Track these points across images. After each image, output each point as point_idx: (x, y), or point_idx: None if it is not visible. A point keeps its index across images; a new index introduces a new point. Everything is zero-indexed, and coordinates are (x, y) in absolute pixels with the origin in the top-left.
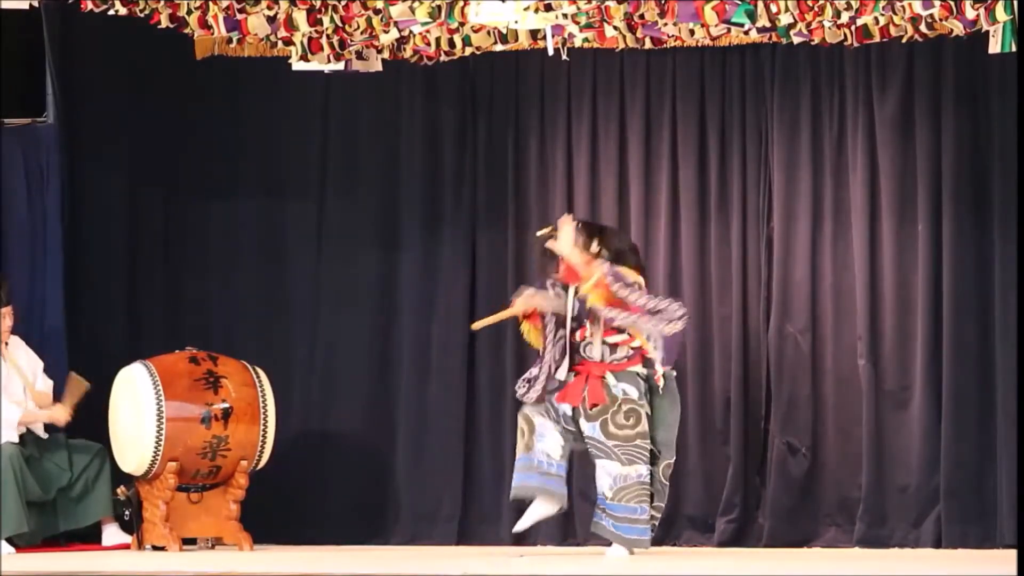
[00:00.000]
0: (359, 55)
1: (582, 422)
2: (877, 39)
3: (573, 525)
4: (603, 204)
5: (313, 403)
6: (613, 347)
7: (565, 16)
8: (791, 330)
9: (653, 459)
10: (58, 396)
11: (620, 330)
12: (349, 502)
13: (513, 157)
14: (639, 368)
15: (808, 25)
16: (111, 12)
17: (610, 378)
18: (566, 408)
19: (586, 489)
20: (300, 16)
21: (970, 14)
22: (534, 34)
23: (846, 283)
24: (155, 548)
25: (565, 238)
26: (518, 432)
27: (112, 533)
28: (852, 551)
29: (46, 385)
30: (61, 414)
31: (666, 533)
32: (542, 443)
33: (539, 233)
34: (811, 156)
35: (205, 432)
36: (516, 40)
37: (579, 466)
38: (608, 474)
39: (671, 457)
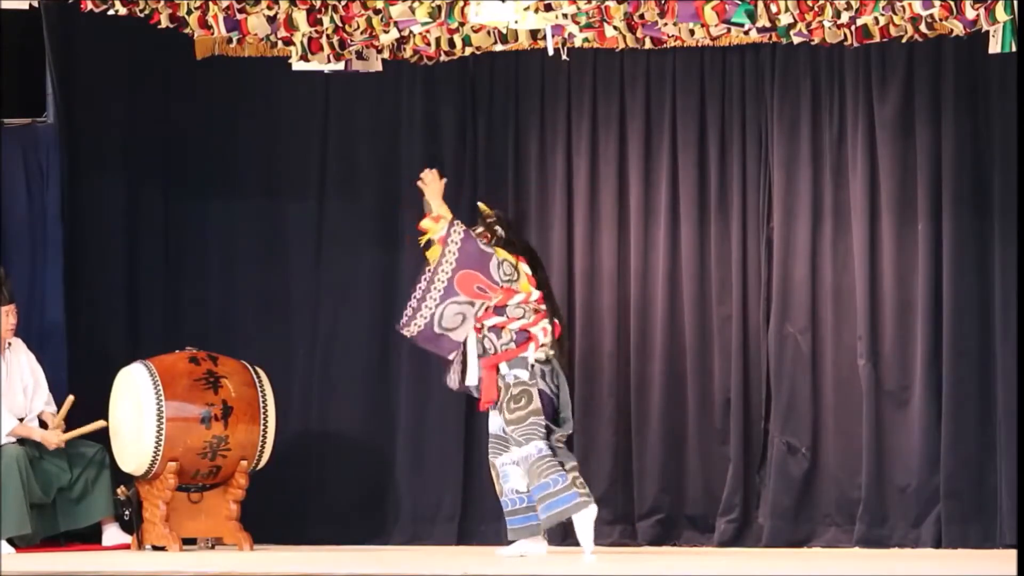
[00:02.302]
0: (359, 55)
1: (491, 419)
2: (877, 39)
3: (573, 525)
4: (603, 204)
5: (313, 403)
6: (497, 331)
7: (565, 16)
8: (791, 330)
9: (548, 433)
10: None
11: (498, 311)
12: (349, 502)
13: (513, 156)
14: (528, 353)
15: (808, 25)
16: (111, 12)
17: (503, 367)
18: (495, 427)
19: None
20: (300, 16)
21: (970, 14)
22: (534, 34)
23: (846, 283)
24: (155, 548)
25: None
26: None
27: (112, 533)
28: (852, 551)
29: (48, 405)
30: (53, 439)
31: (666, 533)
32: (508, 483)
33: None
34: (811, 156)
35: (205, 432)
36: (516, 40)
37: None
38: (514, 463)
39: (565, 430)
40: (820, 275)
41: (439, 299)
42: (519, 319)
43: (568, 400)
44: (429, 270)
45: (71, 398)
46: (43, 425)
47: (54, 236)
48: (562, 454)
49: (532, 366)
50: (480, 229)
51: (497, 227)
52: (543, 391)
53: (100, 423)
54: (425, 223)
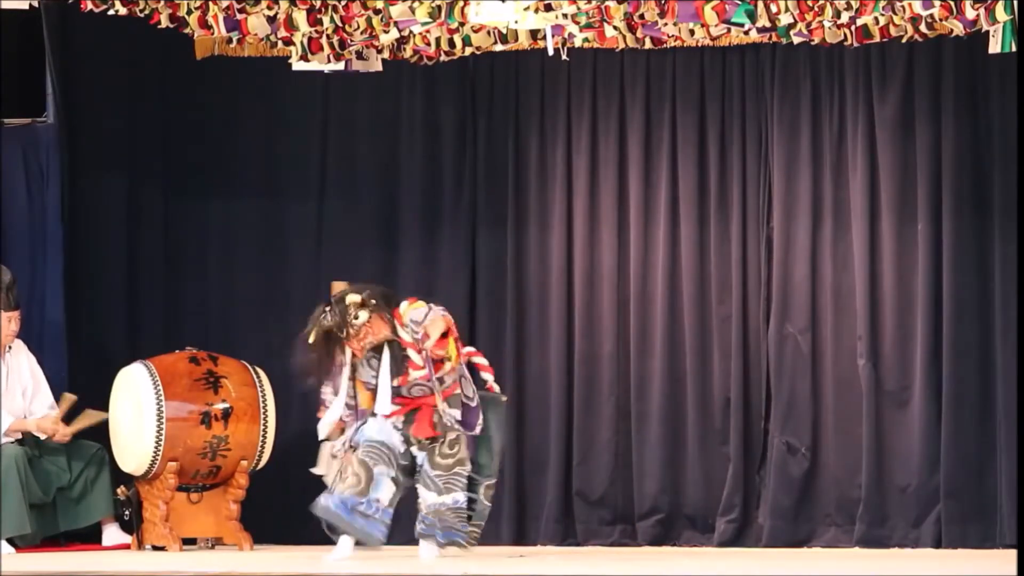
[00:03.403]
0: (359, 55)
1: (415, 450)
2: (877, 39)
3: (573, 525)
4: (603, 204)
5: (313, 403)
6: (440, 378)
7: (565, 16)
8: (791, 330)
9: (472, 484)
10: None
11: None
12: None
13: (513, 157)
14: (466, 388)
15: (808, 25)
16: (111, 12)
17: (441, 405)
18: (396, 441)
19: (584, 489)
20: (300, 16)
21: (970, 14)
22: (534, 34)
23: (846, 283)
24: (155, 548)
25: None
26: (352, 476)
27: (112, 533)
28: (852, 551)
29: (53, 410)
30: (49, 425)
31: (666, 533)
32: (376, 491)
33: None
34: (811, 156)
35: (205, 432)
36: (516, 40)
37: (577, 465)
38: (425, 502)
39: (492, 479)
40: (820, 275)
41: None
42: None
43: (490, 445)
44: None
45: (72, 397)
46: None
47: (54, 236)
48: (477, 512)
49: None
50: (365, 316)
51: (369, 300)
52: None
53: (102, 414)
54: (429, 344)
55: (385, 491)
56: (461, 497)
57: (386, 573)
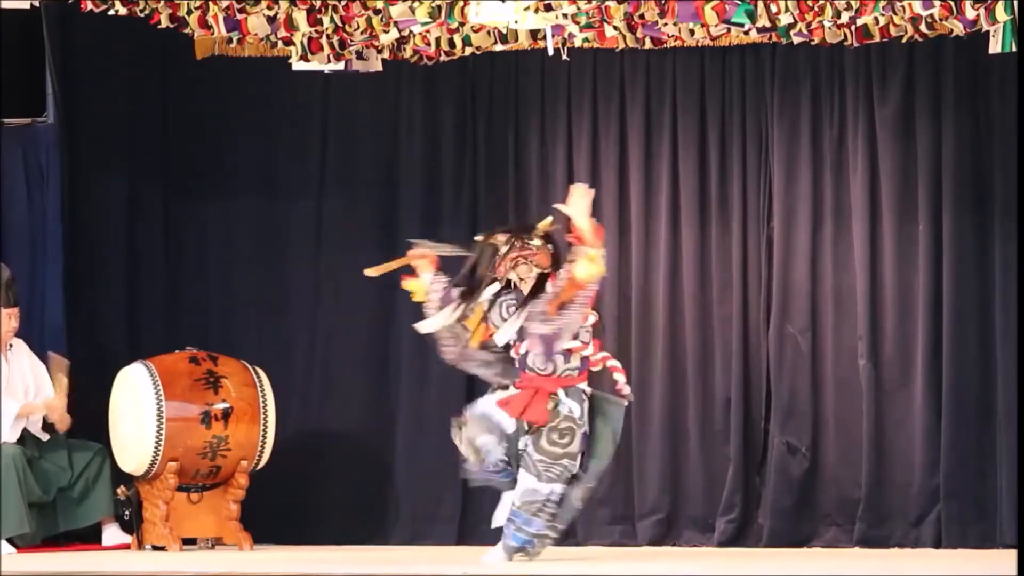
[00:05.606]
0: (359, 55)
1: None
2: (877, 39)
3: (573, 525)
4: (603, 204)
5: (313, 403)
6: (567, 354)
7: (565, 16)
8: (791, 330)
9: (572, 480)
10: None
11: (575, 335)
12: (349, 502)
13: (513, 157)
14: (585, 385)
15: (808, 25)
16: (111, 12)
17: (560, 394)
18: (506, 423)
19: None
20: (300, 16)
21: (970, 14)
22: (534, 34)
23: (846, 283)
24: (155, 548)
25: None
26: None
27: (112, 533)
28: (852, 551)
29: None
30: (58, 402)
31: (666, 533)
32: (490, 458)
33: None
34: (811, 156)
35: (205, 432)
36: (516, 40)
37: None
38: (522, 485)
39: (592, 483)
40: (820, 275)
41: None
42: (588, 345)
43: (599, 451)
44: None
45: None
46: (46, 428)
47: (54, 236)
48: (560, 513)
49: (584, 401)
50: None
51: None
52: (584, 432)
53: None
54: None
55: (497, 456)
56: (558, 489)
57: (387, 572)
